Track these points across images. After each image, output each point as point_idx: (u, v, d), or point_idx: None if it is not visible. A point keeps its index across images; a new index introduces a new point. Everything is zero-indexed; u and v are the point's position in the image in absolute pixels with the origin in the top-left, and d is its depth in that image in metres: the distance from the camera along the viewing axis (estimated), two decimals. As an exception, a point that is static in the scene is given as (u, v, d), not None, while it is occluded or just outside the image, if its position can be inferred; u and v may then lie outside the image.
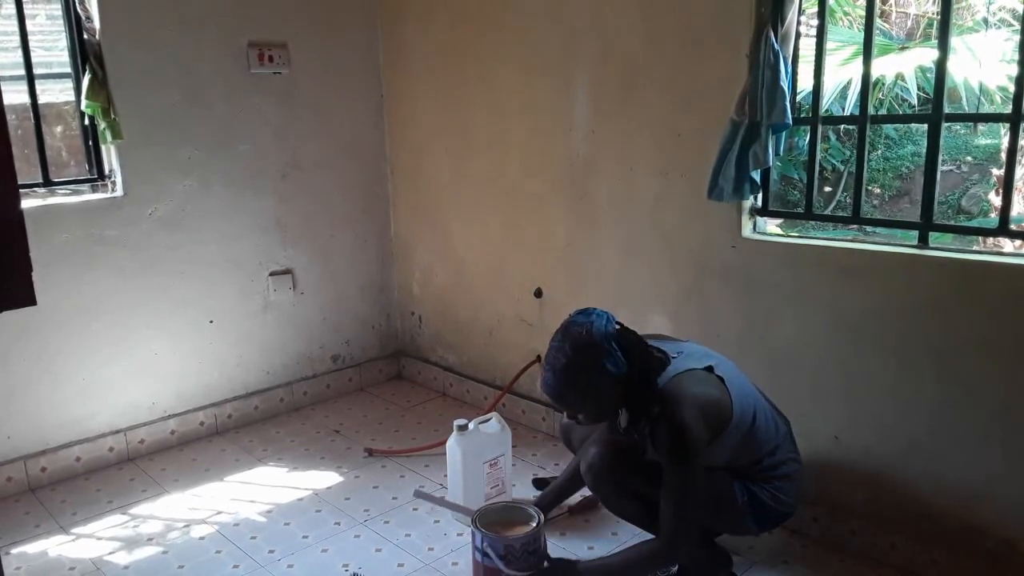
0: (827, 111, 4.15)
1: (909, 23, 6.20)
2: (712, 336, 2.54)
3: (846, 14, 5.19)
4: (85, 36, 2.84)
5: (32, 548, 2.52)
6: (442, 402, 3.62)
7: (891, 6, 6.14)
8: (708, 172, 2.41)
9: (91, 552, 2.49)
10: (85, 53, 2.84)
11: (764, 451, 2.07)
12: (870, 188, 6.49)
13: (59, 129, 3.09)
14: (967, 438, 2.12)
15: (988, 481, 2.10)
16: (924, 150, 2.50)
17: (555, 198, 3.01)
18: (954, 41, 3.77)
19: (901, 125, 6.83)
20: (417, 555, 2.43)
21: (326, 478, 2.92)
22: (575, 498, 2.61)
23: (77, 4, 2.82)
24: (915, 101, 4.84)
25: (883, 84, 4.95)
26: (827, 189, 6.41)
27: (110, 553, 2.48)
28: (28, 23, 2.78)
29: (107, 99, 2.86)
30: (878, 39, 4.09)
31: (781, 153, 2.38)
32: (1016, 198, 4.13)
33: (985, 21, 4.82)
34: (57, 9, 2.86)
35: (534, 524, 2.14)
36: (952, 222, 5.35)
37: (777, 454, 2.10)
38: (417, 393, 3.73)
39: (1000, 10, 4.85)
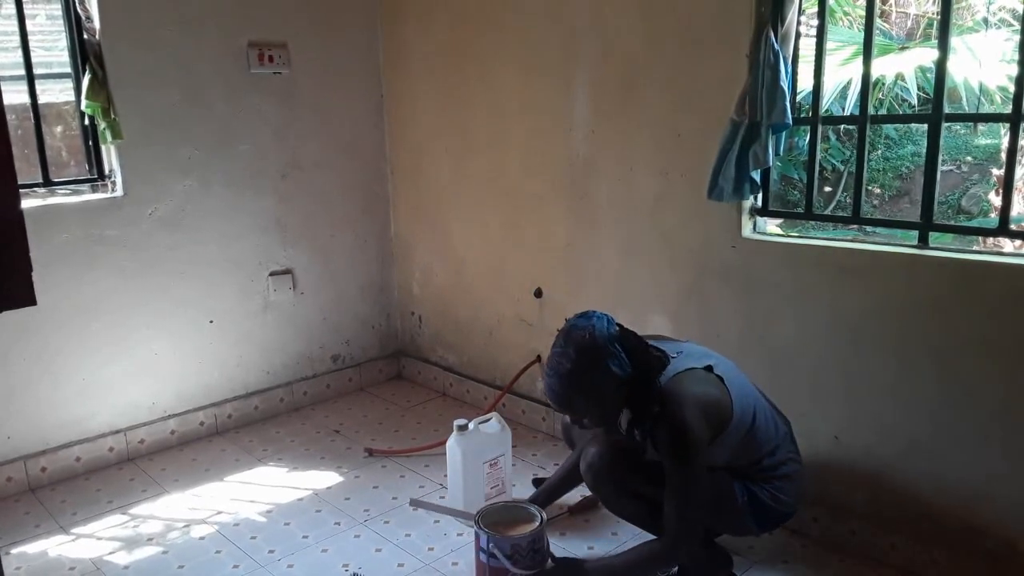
0: (827, 111, 4.15)
1: (909, 23, 6.20)
2: (712, 336, 2.54)
3: (846, 14, 5.19)
4: (85, 36, 2.84)
5: (32, 548, 2.52)
6: (442, 402, 3.62)
7: (891, 6, 6.13)
8: (708, 172, 2.41)
9: (91, 552, 2.49)
10: (85, 53, 2.84)
11: (764, 451, 2.07)
12: (870, 188, 6.49)
13: (59, 129, 3.09)
14: (967, 438, 2.12)
15: (988, 481, 2.10)
16: (924, 150, 2.50)
17: (555, 198, 3.01)
18: (954, 41, 3.77)
19: (901, 125, 6.83)
20: (417, 555, 2.43)
21: (326, 478, 2.92)
22: (575, 498, 2.61)
23: (77, 4, 2.82)
24: (915, 101, 4.84)
25: (883, 84, 4.95)
26: (827, 189, 6.41)
27: (110, 553, 2.48)
28: (28, 23, 2.78)
29: (107, 99, 2.86)
30: (878, 39, 4.09)
31: (781, 153, 2.38)
32: (1016, 198, 4.13)
33: (985, 21, 4.82)
34: (57, 9, 2.86)
35: (537, 522, 2.15)
36: (952, 222, 5.34)
37: (777, 454, 2.10)
38: (417, 393, 3.73)
39: (1000, 10, 4.85)
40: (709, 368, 2.03)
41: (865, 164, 2.31)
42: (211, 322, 3.26)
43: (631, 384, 1.95)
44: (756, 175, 2.36)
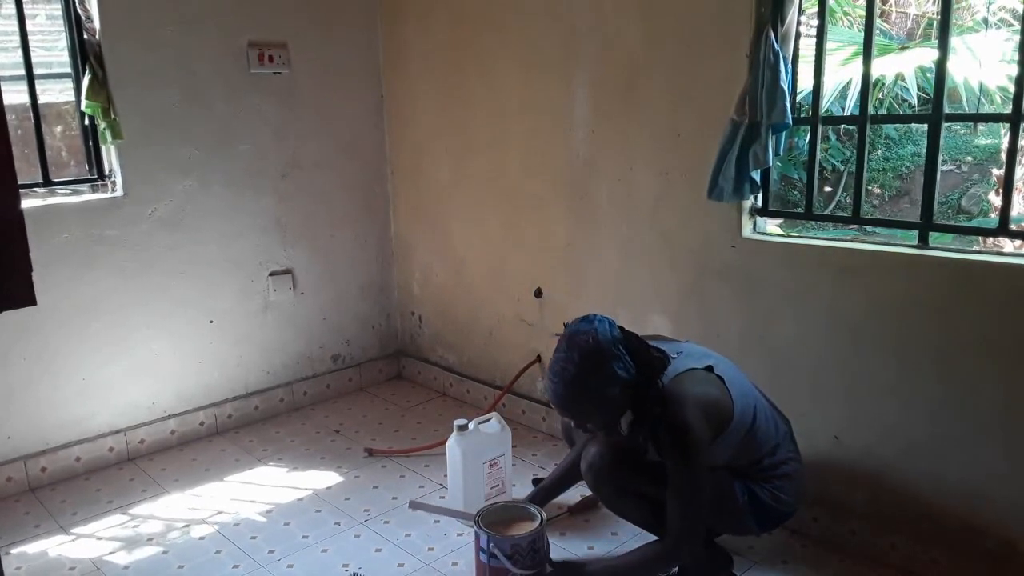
0: (827, 111, 4.15)
1: (909, 23, 6.20)
2: (712, 336, 2.54)
3: (846, 14, 5.19)
4: (85, 36, 2.84)
5: (32, 548, 2.52)
6: (442, 402, 3.62)
7: (891, 6, 6.13)
8: (708, 172, 2.41)
9: (91, 552, 2.49)
10: (85, 53, 2.84)
11: (764, 451, 2.07)
12: (870, 188, 6.49)
13: (59, 129, 3.09)
14: (967, 438, 2.12)
15: (988, 481, 2.10)
16: (924, 150, 2.50)
17: (555, 198, 3.01)
18: (954, 41, 3.77)
19: (901, 125, 6.83)
20: (417, 555, 2.43)
21: (326, 478, 2.92)
22: (575, 498, 2.61)
23: (77, 4, 2.82)
24: (915, 101, 4.83)
25: (883, 84, 4.95)
26: (827, 189, 6.41)
27: (110, 553, 2.48)
28: (28, 23, 2.78)
29: (107, 99, 2.86)
30: (878, 39, 4.09)
31: (781, 153, 2.37)
32: (1016, 198, 4.13)
33: (985, 21, 4.82)
34: (57, 9, 2.86)
35: (536, 522, 2.15)
36: (952, 222, 5.35)
37: (777, 454, 2.10)
38: (417, 393, 3.73)
39: (1000, 10, 4.85)
40: (709, 368, 2.03)
41: (865, 164, 2.31)
42: (211, 322, 3.26)
43: (634, 386, 1.95)
44: (756, 175, 2.36)
